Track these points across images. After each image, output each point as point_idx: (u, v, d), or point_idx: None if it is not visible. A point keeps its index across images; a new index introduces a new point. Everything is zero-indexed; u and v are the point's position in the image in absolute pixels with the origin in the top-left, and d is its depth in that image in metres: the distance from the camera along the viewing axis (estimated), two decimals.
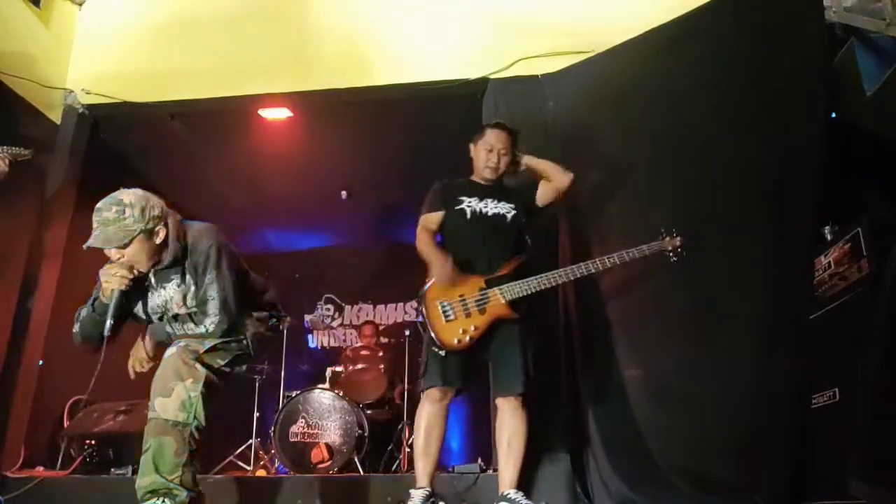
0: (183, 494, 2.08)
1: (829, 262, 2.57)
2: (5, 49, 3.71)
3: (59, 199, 3.89)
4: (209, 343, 2.26)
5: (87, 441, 3.59)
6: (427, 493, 2.61)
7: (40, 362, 3.73)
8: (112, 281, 2.20)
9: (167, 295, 2.31)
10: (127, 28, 4.30)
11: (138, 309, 2.38)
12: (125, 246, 2.16)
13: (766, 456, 2.43)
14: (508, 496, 2.58)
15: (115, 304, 2.21)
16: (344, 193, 5.43)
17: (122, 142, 4.52)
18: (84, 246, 2.17)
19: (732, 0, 3.00)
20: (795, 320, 2.49)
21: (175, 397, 2.11)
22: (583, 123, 3.42)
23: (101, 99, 4.11)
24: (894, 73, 2.38)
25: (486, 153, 2.91)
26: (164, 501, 2.04)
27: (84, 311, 2.35)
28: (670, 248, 2.72)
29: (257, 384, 4.93)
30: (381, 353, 5.07)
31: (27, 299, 3.71)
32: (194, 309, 2.29)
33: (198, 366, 2.19)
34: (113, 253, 2.19)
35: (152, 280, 2.30)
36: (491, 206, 2.86)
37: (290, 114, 4.31)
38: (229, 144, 4.72)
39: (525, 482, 2.77)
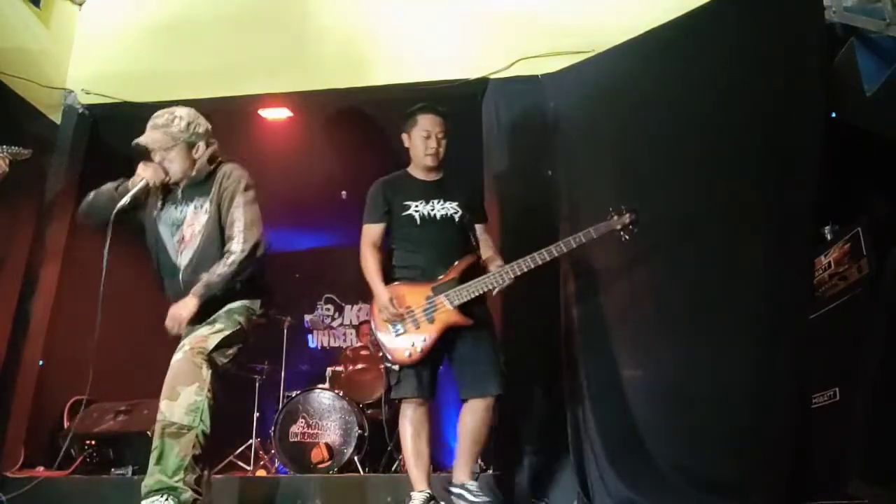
0: (187, 493, 2.09)
1: (829, 262, 2.57)
2: (5, 49, 3.71)
3: (59, 199, 3.89)
4: (215, 340, 2.27)
5: (87, 441, 3.59)
6: (428, 495, 2.60)
7: (40, 362, 3.73)
8: (147, 171, 2.37)
9: (187, 212, 2.43)
10: (127, 28, 4.30)
11: (151, 220, 2.47)
12: (167, 150, 2.38)
13: (766, 456, 2.42)
14: (468, 487, 2.60)
15: (138, 189, 2.35)
16: (344, 193, 5.42)
17: (123, 142, 4.50)
18: (133, 143, 2.36)
19: (732, 0, 3.00)
20: (795, 320, 2.49)
21: (182, 401, 2.14)
22: (583, 123, 3.42)
23: (101, 99, 4.11)
24: (894, 73, 2.38)
25: (424, 140, 2.79)
26: (167, 499, 2.06)
27: (104, 187, 2.44)
28: (620, 227, 2.67)
29: (257, 384, 4.93)
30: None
31: (27, 299, 3.71)
32: (196, 243, 2.37)
33: (204, 370, 2.20)
34: (155, 153, 2.39)
35: (179, 194, 2.45)
36: (438, 208, 2.79)
37: (290, 114, 4.31)
38: (229, 144, 4.71)
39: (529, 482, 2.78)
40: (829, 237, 2.63)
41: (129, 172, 2.46)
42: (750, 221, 2.71)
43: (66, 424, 3.83)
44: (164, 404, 2.15)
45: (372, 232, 2.80)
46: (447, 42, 3.96)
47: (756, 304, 2.61)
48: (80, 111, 4.13)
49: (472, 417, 2.65)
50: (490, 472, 3.27)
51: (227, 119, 4.35)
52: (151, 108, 4.06)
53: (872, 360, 2.13)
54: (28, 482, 3.20)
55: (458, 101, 3.87)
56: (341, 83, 4.00)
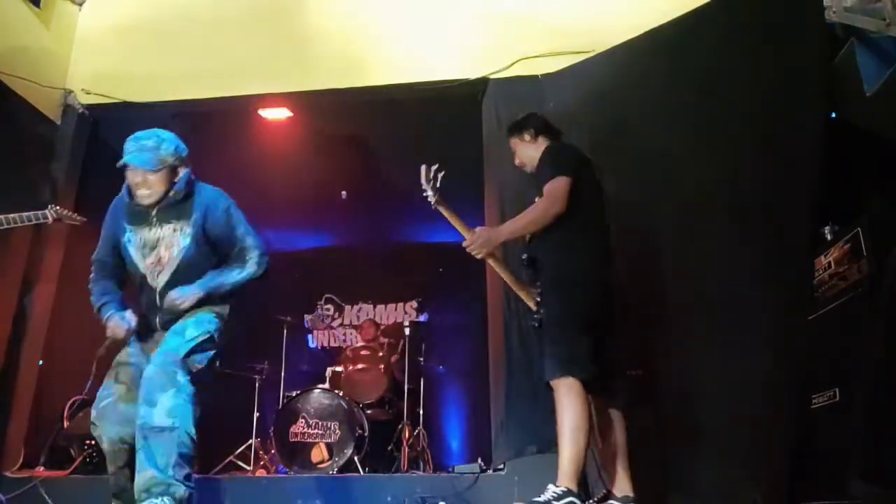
0: (182, 489, 2.07)
1: (829, 262, 2.57)
2: (5, 49, 3.71)
3: (59, 198, 3.88)
4: (186, 348, 2.26)
5: (87, 441, 3.59)
6: (556, 493, 2.26)
7: (40, 362, 3.73)
8: (117, 334, 2.34)
9: (162, 234, 2.39)
10: (127, 28, 4.30)
11: (130, 259, 2.42)
12: (156, 171, 2.34)
13: (767, 455, 2.43)
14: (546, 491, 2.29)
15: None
16: (344, 193, 5.42)
17: (122, 142, 4.51)
18: (119, 163, 2.34)
19: (732, 0, 3.00)
20: (795, 320, 2.49)
21: (160, 407, 2.12)
22: (582, 123, 3.42)
23: (101, 99, 4.12)
24: (894, 73, 2.37)
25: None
26: (163, 500, 2.03)
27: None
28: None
29: (257, 384, 4.93)
30: (381, 353, 5.07)
31: (27, 299, 3.71)
32: (176, 264, 2.37)
33: (180, 375, 2.19)
34: (138, 174, 2.34)
35: (154, 216, 2.39)
36: None
37: (290, 114, 4.31)
38: (229, 144, 4.72)
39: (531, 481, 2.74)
40: (829, 237, 2.62)
41: None
42: (750, 221, 2.71)
43: (66, 424, 3.83)
44: (142, 409, 2.12)
45: None
46: (447, 42, 3.97)
47: (756, 304, 2.61)
48: (80, 111, 4.14)
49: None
50: (490, 472, 3.28)
51: (227, 119, 4.38)
52: (151, 108, 4.14)
53: (872, 360, 2.12)
54: (28, 482, 3.20)
55: (458, 101, 3.88)
56: (341, 83, 4.01)
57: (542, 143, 2.75)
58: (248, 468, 4.51)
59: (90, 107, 4.15)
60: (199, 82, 4.10)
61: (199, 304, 2.36)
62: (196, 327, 2.32)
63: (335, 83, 4.02)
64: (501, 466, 3.23)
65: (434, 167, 2.56)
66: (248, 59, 4.14)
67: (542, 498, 2.26)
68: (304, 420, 4.25)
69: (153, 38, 4.24)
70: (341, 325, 6.75)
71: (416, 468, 4.52)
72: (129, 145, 2.37)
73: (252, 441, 4.63)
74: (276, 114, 4.32)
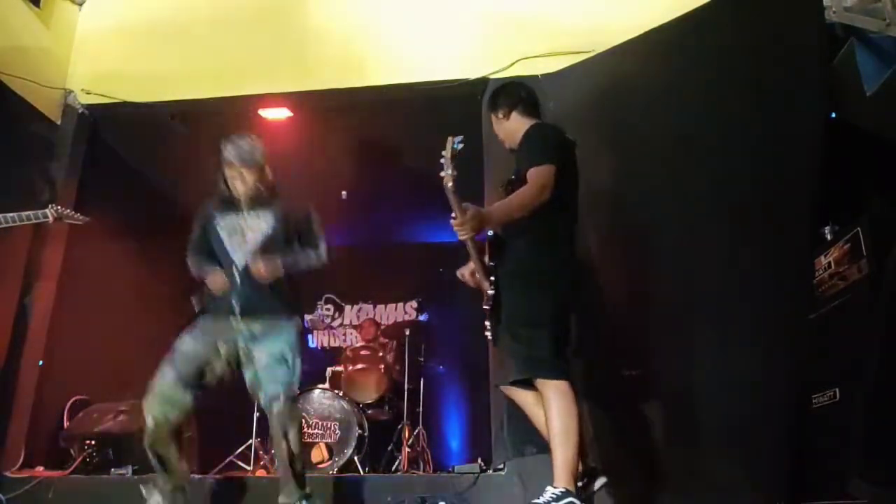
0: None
1: (829, 262, 2.57)
2: (5, 49, 3.72)
3: (59, 198, 3.88)
4: (297, 379, 2.81)
5: (87, 441, 3.59)
6: (555, 494, 2.24)
7: (40, 362, 3.73)
8: (217, 283, 2.78)
9: (250, 223, 2.85)
10: (127, 28, 4.30)
11: (220, 242, 2.84)
12: (250, 168, 2.81)
13: (766, 456, 2.43)
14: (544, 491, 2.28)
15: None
16: (344, 193, 5.42)
17: (122, 142, 4.52)
18: (225, 158, 2.78)
19: (732, 0, 3.01)
20: (795, 320, 2.49)
21: (293, 441, 2.73)
22: (583, 124, 3.42)
23: (101, 99, 4.12)
24: (894, 73, 2.38)
25: None
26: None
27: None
28: None
29: None
30: (381, 353, 5.07)
31: (27, 299, 3.71)
32: (258, 243, 2.80)
33: (294, 408, 2.80)
34: (236, 169, 2.79)
35: (243, 207, 2.85)
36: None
37: (290, 114, 4.31)
38: None
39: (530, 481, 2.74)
40: (829, 237, 2.62)
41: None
42: (750, 221, 2.71)
43: (66, 424, 3.83)
44: (281, 443, 2.70)
45: None
46: (447, 42, 3.97)
47: (756, 304, 2.61)
48: (80, 111, 4.13)
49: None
50: (491, 471, 3.28)
51: (227, 119, 4.37)
52: (151, 108, 4.14)
53: (872, 359, 2.12)
54: (28, 482, 3.20)
55: (458, 101, 3.88)
56: (341, 83, 4.01)
57: (517, 119, 2.72)
58: (248, 468, 4.50)
59: (90, 107, 4.15)
60: (199, 82, 4.10)
61: (278, 309, 2.81)
62: (291, 350, 2.78)
63: (335, 83, 4.01)
64: (501, 466, 3.23)
65: (458, 138, 2.43)
66: (248, 59, 4.14)
67: (541, 500, 2.25)
68: (304, 420, 4.25)
69: (153, 38, 4.24)
70: (341, 325, 6.75)
71: (416, 468, 4.52)
72: (231, 148, 2.81)
73: (252, 441, 4.62)
74: (276, 114, 4.32)
